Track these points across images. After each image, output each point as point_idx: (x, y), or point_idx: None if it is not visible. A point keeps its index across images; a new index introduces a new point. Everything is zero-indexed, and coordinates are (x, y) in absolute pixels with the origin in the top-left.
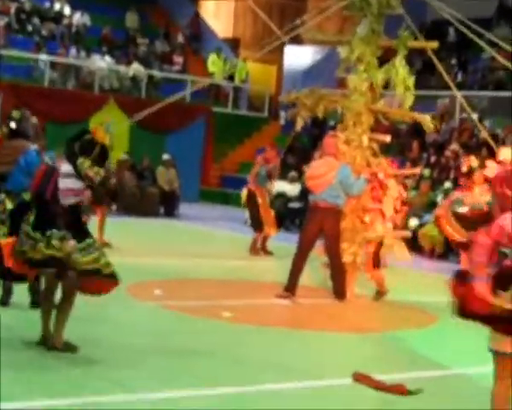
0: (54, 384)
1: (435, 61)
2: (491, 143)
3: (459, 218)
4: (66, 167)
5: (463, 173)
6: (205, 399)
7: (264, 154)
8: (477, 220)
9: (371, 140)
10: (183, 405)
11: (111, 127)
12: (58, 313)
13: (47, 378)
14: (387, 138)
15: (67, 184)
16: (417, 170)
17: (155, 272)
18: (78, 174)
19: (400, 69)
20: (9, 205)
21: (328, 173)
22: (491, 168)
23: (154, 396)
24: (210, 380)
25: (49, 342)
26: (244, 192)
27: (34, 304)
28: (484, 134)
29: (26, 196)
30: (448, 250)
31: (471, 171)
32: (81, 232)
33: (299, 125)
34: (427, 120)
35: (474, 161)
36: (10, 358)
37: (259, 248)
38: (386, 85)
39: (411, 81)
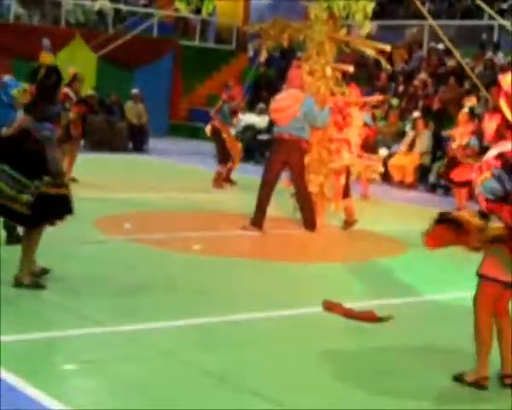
0: (20, 319)
1: None
2: (468, 71)
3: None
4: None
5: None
6: (176, 330)
7: (229, 91)
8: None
9: (335, 70)
10: (154, 336)
11: (48, 44)
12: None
13: (13, 314)
14: (350, 68)
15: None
16: (379, 97)
17: (124, 206)
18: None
19: None
20: None
21: (293, 106)
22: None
23: (122, 329)
24: (181, 312)
25: (16, 279)
26: (208, 128)
27: (11, 239)
28: (454, 62)
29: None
30: (417, 180)
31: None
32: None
33: (264, 56)
34: (386, 49)
35: (471, 101)
36: None
37: (224, 180)
38: (348, 15)
39: (370, 8)
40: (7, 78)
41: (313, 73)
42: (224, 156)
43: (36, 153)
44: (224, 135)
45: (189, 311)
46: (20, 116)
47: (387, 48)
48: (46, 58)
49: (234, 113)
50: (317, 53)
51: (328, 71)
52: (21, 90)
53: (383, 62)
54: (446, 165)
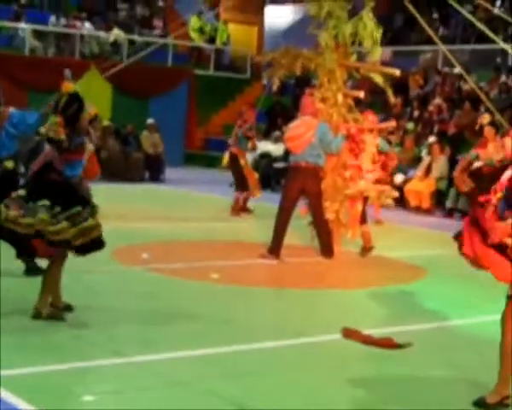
0: (38, 350)
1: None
2: (482, 96)
3: (474, 174)
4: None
5: (475, 131)
6: (196, 359)
7: (243, 115)
8: (491, 177)
9: (346, 96)
10: (173, 366)
11: (69, 73)
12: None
13: (33, 344)
14: (361, 94)
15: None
16: (393, 123)
17: (141, 236)
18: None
19: (368, 22)
20: None
21: (307, 133)
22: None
23: (142, 359)
24: (201, 341)
25: (35, 310)
26: (226, 155)
27: (29, 270)
28: (469, 86)
29: (9, 164)
30: (434, 205)
31: (482, 128)
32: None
33: (276, 84)
34: (394, 73)
35: (485, 118)
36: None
37: (240, 209)
38: (355, 42)
39: (379, 34)
40: (11, 109)
41: (325, 100)
42: (241, 183)
43: (67, 184)
44: (242, 162)
45: (207, 340)
46: (47, 149)
47: (397, 73)
48: (68, 87)
49: (248, 137)
50: (328, 80)
51: (340, 98)
52: (54, 124)
53: (389, 91)
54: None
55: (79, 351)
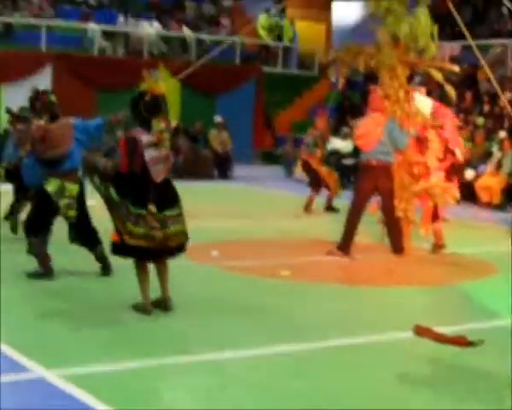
0: (126, 345)
1: None
2: None
3: None
4: (148, 137)
5: None
6: (272, 357)
7: (315, 123)
8: None
9: (409, 92)
10: (247, 365)
11: (158, 75)
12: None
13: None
14: (422, 89)
15: (152, 153)
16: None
17: (212, 233)
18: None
19: (423, 18)
20: (71, 186)
21: (376, 130)
22: None
23: (221, 356)
24: (275, 339)
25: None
26: (298, 163)
27: (105, 270)
28: None
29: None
30: (505, 201)
31: None
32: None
33: (341, 83)
34: (453, 69)
35: None
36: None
37: (326, 209)
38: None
39: (435, 30)
40: (73, 120)
41: (388, 97)
42: (316, 184)
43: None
44: (314, 165)
45: (279, 338)
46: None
47: (455, 68)
48: (160, 89)
49: (318, 145)
50: (390, 77)
51: (402, 94)
52: (161, 130)
53: (448, 88)
54: None
55: (154, 347)
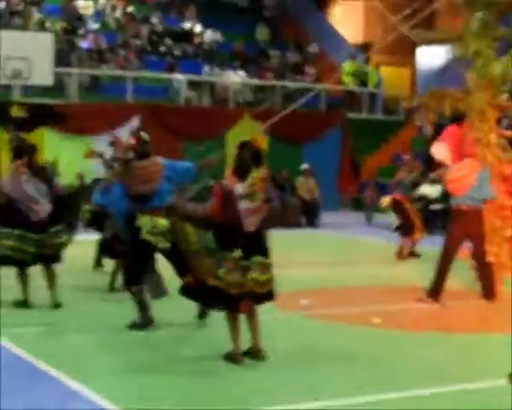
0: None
1: None
2: None
3: None
4: (242, 187)
5: None
6: (366, 406)
7: (407, 164)
8: None
9: (500, 136)
10: None
11: (261, 130)
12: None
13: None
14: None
15: (245, 205)
16: None
17: (301, 282)
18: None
19: None
20: (161, 221)
21: (469, 175)
22: None
23: (311, 406)
24: (370, 387)
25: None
26: (387, 200)
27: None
28: None
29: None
30: None
31: None
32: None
33: (429, 129)
34: None
35: None
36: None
37: (407, 254)
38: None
39: None
40: (162, 160)
41: (478, 141)
42: (408, 228)
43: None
44: (407, 206)
45: (371, 387)
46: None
47: None
48: (263, 142)
49: (414, 186)
50: (479, 121)
51: (493, 138)
52: (258, 180)
53: None
54: None
55: (243, 396)
